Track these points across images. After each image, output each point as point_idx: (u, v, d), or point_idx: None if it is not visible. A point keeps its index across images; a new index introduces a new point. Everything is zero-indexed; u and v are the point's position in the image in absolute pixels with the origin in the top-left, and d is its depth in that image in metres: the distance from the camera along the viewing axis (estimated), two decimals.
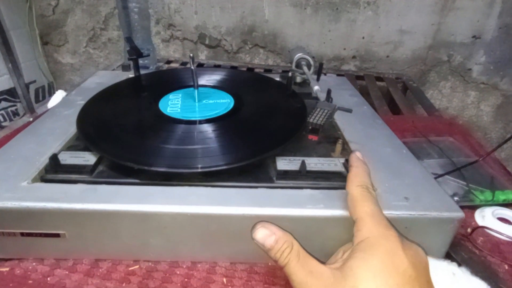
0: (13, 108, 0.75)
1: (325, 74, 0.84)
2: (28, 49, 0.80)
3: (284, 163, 0.33)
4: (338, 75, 0.85)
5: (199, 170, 0.31)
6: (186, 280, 0.28)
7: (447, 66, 0.93)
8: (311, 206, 0.28)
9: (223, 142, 0.35)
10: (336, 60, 0.95)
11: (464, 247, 0.32)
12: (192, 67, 0.39)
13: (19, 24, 0.77)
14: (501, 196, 0.37)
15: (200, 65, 0.84)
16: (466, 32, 0.85)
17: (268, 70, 0.87)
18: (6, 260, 0.30)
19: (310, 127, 0.33)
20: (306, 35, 0.90)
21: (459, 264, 0.29)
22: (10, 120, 0.75)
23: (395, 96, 0.77)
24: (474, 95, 0.97)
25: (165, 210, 0.28)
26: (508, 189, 0.38)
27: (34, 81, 0.82)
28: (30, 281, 0.28)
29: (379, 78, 0.87)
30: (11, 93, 0.73)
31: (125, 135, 0.36)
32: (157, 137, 0.35)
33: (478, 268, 0.29)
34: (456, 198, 0.37)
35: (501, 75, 0.90)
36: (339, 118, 0.43)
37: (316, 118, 0.33)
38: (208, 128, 0.37)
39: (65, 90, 0.60)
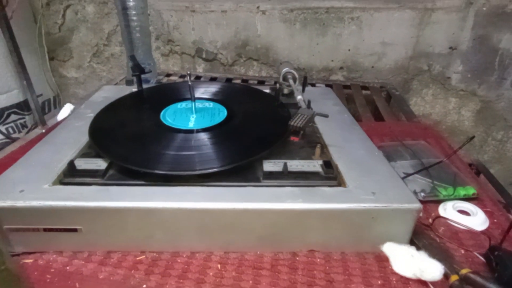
0: (22, 121, 0.80)
1: (314, 85, 0.90)
2: (35, 64, 0.85)
3: (269, 165, 0.38)
4: (327, 85, 0.91)
5: (196, 172, 0.36)
6: (186, 267, 0.33)
7: (428, 75, 0.99)
8: (291, 201, 0.33)
9: (216, 148, 0.40)
10: (325, 71, 1.01)
11: (426, 235, 0.37)
12: (190, 83, 0.45)
13: (27, 41, 0.83)
14: (461, 191, 0.42)
15: (197, 77, 0.90)
16: (443, 44, 0.91)
17: (261, 82, 0.92)
18: (30, 253, 0.34)
19: (291, 130, 0.38)
20: (296, 48, 0.96)
21: (419, 248, 0.34)
22: (19, 132, 0.80)
23: (378, 104, 0.82)
24: (455, 101, 1.03)
25: (166, 206, 0.32)
26: (468, 186, 0.43)
27: (41, 95, 0.88)
28: (52, 270, 0.32)
29: (364, 87, 0.93)
30: (20, 107, 0.78)
31: (131, 143, 0.41)
32: (160, 145, 0.40)
33: (436, 252, 0.34)
34: (422, 194, 0.42)
35: (478, 82, 0.96)
36: (321, 125, 0.48)
37: (296, 121, 0.38)
38: (204, 136, 0.42)
39: (71, 103, 0.65)
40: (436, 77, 0.98)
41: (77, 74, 1.01)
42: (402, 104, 0.83)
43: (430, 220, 0.38)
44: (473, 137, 0.43)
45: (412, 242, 0.35)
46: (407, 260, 0.32)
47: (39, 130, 0.57)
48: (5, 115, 0.75)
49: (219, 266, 0.33)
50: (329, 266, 0.33)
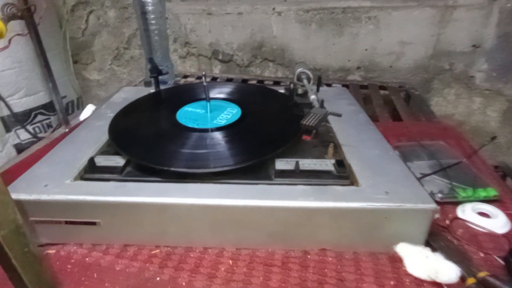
0: (47, 121, 0.84)
1: (330, 85, 0.90)
2: (60, 68, 0.90)
3: (282, 164, 0.38)
4: (343, 85, 0.90)
5: (210, 170, 0.36)
6: (198, 261, 0.34)
7: (450, 74, 0.96)
8: (303, 199, 0.33)
9: (230, 147, 0.41)
10: (341, 71, 1.00)
11: (443, 237, 0.36)
12: (205, 83, 0.46)
13: (53, 46, 0.87)
14: (482, 193, 0.41)
15: (214, 78, 0.92)
16: (466, 42, 0.88)
17: (277, 82, 0.93)
18: (53, 244, 0.36)
19: (303, 129, 0.38)
20: (312, 49, 0.96)
21: (434, 250, 0.33)
22: (45, 131, 0.84)
23: (396, 104, 0.80)
24: (480, 101, 0.98)
25: (181, 202, 0.33)
26: (489, 187, 0.41)
27: (65, 97, 0.92)
28: (72, 260, 0.34)
29: (383, 87, 0.91)
30: (46, 108, 0.83)
31: (148, 141, 0.42)
32: (175, 143, 0.41)
33: (453, 254, 0.33)
34: (440, 195, 0.41)
35: (504, 81, 0.92)
36: (335, 125, 0.48)
37: (308, 120, 0.38)
38: (218, 135, 0.43)
39: (93, 104, 0.68)
40: (459, 76, 0.95)
41: (99, 76, 1.05)
42: (422, 104, 0.81)
43: (448, 222, 0.37)
44: (495, 137, 0.42)
45: (427, 244, 0.34)
46: (421, 261, 0.31)
47: (62, 130, 0.60)
48: (32, 116, 0.80)
49: (230, 262, 0.34)
50: (341, 265, 0.33)
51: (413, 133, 0.58)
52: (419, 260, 0.31)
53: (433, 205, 0.32)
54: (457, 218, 0.38)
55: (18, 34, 0.64)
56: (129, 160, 0.39)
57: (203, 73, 0.44)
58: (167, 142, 0.42)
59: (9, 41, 0.62)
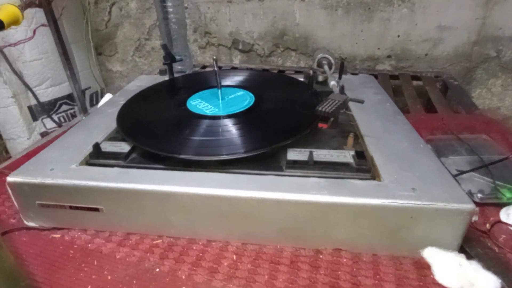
0: (71, 111, 0.87)
1: (356, 74, 0.84)
2: (84, 59, 0.92)
3: (294, 154, 0.35)
4: (371, 75, 0.84)
5: (216, 158, 0.34)
6: (201, 254, 0.32)
7: (497, 62, 0.85)
8: (315, 192, 0.30)
9: (239, 135, 0.38)
10: (370, 60, 0.93)
11: (482, 243, 0.30)
12: (215, 68, 0.43)
13: (78, 38, 0.90)
14: None
15: (233, 68, 0.89)
16: None
17: (299, 72, 0.88)
18: (59, 229, 0.36)
19: (319, 115, 0.34)
20: (338, 36, 0.90)
21: (470, 257, 0.28)
22: (69, 121, 0.87)
23: (431, 96, 0.73)
24: None
25: (184, 190, 0.31)
26: None
27: (89, 88, 0.95)
28: (75, 246, 0.34)
29: (416, 77, 0.83)
30: (70, 98, 0.85)
31: (155, 128, 0.41)
32: (183, 130, 0.39)
33: (493, 264, 0.28)
34: (480, 195, 0.35)
35: None
36: (358, 114, 0.43)
37: (325, 107, 0.34)
38: (228, 123, 0.41)
39: (112, 94, 0.68)
40: (507, 65, 0.84)
41: (121, 68, 1.07)
42: (461, 95, 0.73)
43: (488, 226, 0.32)
44: None
45: (462, 250, 0.29)
46: (454, 269, 0.26)
47: (80, 118, 0.61)
48: (57, 105, 0.82)
49: (234, 257, 0.31)
50: (357, 268, 0.29)
51: (450, 126, 0.51)
52: (451, 268, 0.26)
53: (471, 206, 0.27)
54: (499, 222, 0.32)
55: (43, 25, 0.65)
56: (134, 147, 0.37)
57: (214, 57, 0.42)
58: (174, 129, 0.40)
59: (34, 31, 0.63)
